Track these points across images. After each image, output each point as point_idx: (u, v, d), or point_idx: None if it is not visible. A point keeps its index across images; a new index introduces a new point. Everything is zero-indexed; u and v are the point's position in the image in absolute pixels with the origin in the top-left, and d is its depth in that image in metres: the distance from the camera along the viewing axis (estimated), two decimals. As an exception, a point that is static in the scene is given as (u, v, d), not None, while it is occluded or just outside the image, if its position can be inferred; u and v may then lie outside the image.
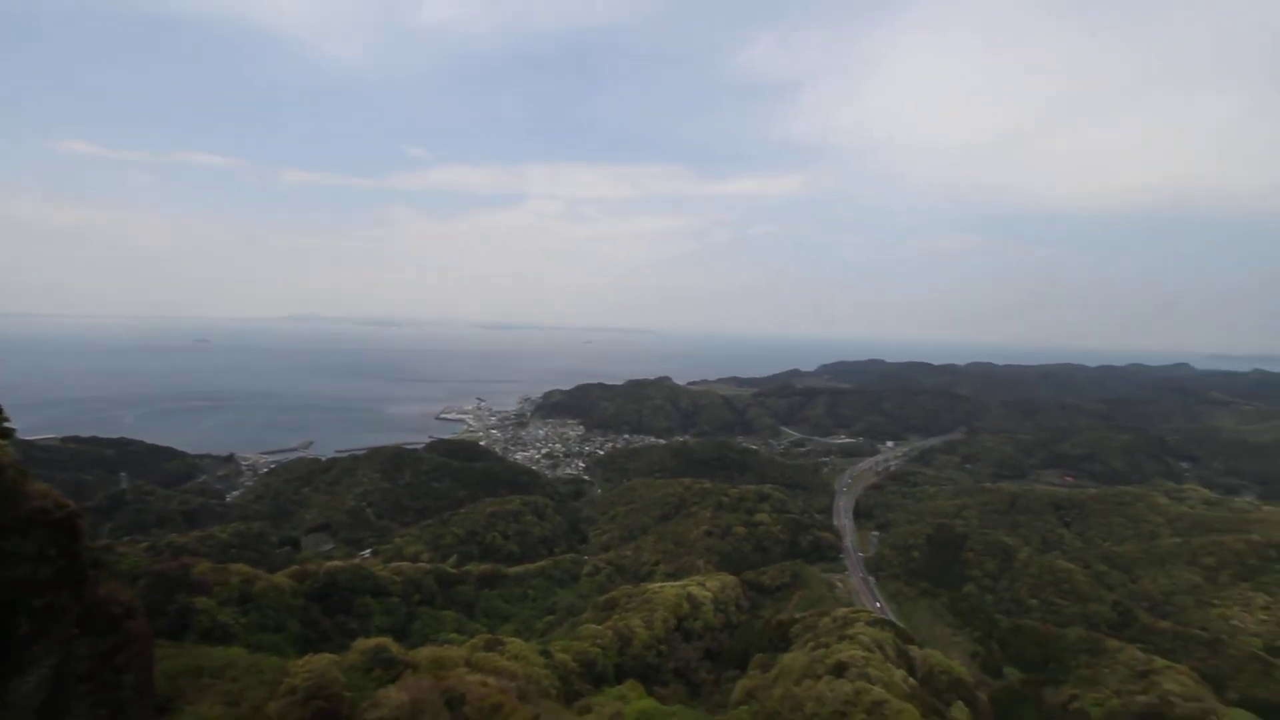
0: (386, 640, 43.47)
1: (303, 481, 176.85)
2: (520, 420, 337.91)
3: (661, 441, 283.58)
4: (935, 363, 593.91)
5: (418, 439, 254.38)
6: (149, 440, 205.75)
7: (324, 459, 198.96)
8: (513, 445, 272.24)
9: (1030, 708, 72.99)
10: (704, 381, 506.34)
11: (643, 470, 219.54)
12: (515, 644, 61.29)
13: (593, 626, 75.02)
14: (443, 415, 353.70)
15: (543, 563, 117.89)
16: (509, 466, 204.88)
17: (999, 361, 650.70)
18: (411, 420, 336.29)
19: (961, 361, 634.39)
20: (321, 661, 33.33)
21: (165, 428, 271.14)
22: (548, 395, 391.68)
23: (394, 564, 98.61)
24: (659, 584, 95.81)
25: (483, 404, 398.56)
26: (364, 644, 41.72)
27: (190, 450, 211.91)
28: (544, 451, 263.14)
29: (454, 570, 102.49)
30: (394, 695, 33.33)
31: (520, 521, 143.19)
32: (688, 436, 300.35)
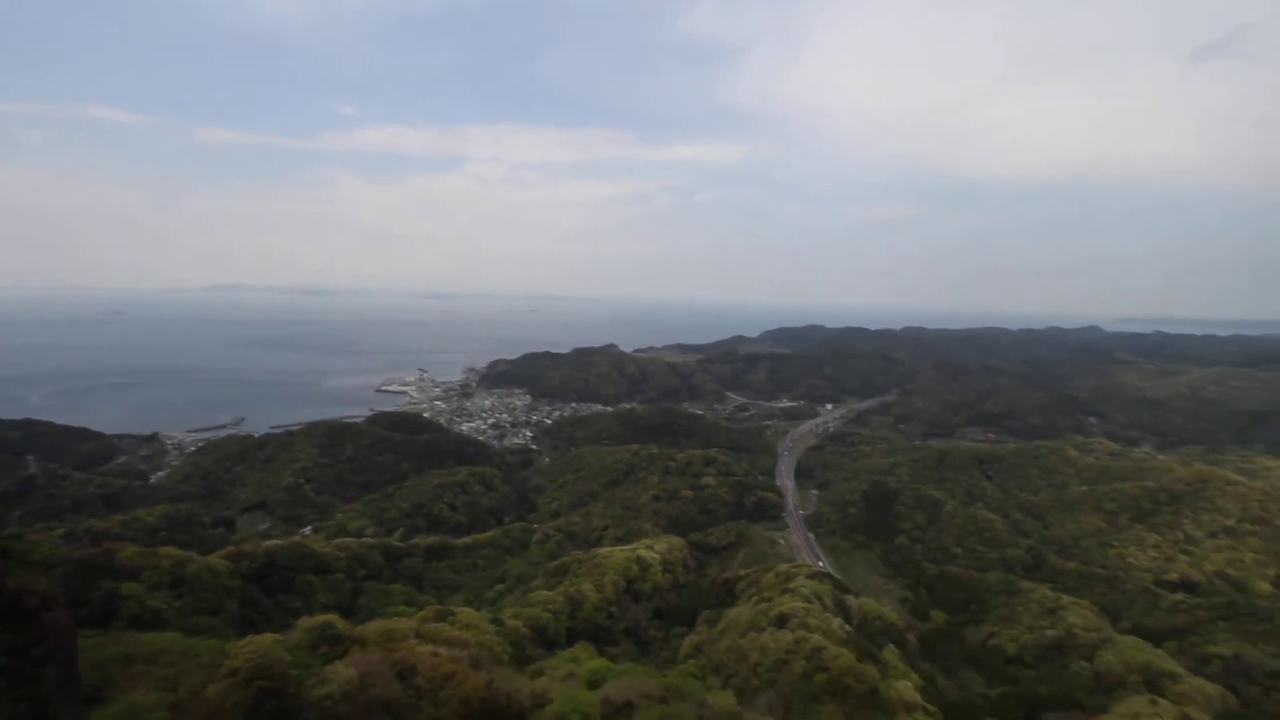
0: (332, 617, 42.72)
1: (235, 459, 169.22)
2: (465, 391, 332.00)
3: (609, 409, 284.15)
4: (872, 328, 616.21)
5: (358, 412, 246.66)
6: (59, 421, 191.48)
7: (257, 435, 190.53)
8: (458, 416, 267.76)
9: (954, 646, 78.90)
10: (650, 349, 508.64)
11: (590, 438, 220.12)
12: (466, 613, 61.37)
13: (544, 592, 75.84)
14: (384, 387, 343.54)
15: (492, 532, 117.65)
16: (455, 438, 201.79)
17: (931, 326, 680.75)
18: (350, 393, 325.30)
19: (897, 326, 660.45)
20: (264, 641, 32.49)
21: (77, 407, 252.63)
22: (493, 365, 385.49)
23: (337, 540, 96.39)
24: (608, 549, 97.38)
25: (426, 375, 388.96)
26: (309, 622, 40.88)
27: (108, 430, 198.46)
28: (490, 422, 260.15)
29: (401, 544, 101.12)
30: (342, 670, 32.94)
31: (468, 493, 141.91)
32: (635, 403, 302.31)
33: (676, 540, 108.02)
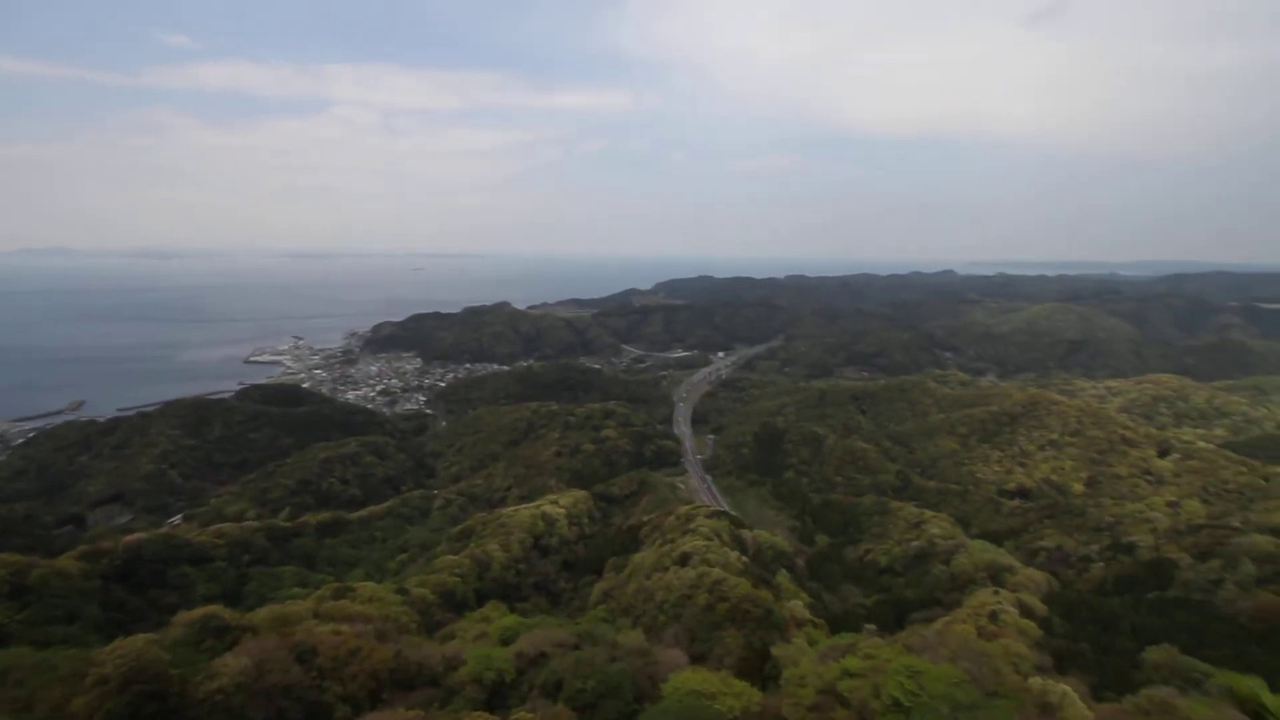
0: (216, 608, 39.72)
1: (78, 448, 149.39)
2: (348, 357, 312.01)
3: (505, 368, 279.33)
4: (758, 277, 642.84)
5: (225, 387, 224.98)
6: None
7: (103, 420, 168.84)
8: (342, 385, 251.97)
9: (835, 565, 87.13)
10: (544, 305, 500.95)
11: (488, 398, 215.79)
12: (367, 587, 59.31)
13: (449, 557, 74.71)
14: (253, 358, 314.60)
15: (389, 502, 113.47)
16: (340, 408, 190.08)
17: (810, 274, 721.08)
18: (213, 366, 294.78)
19: (780, 275, 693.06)
20: (137, 643, 29.66)
21: None
22: (377, 328, 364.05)
23: (214, 527, 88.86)
24: (513, 508, 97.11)
25: (301, 342, 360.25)
26: (188, 616, 37.75)
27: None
28: (379, 388, 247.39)
29: (288, 523, 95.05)
30: (233, 661, 30.90)
31: (359, 464, 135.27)
32: (531, 361, 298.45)
33: (581, 493, 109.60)
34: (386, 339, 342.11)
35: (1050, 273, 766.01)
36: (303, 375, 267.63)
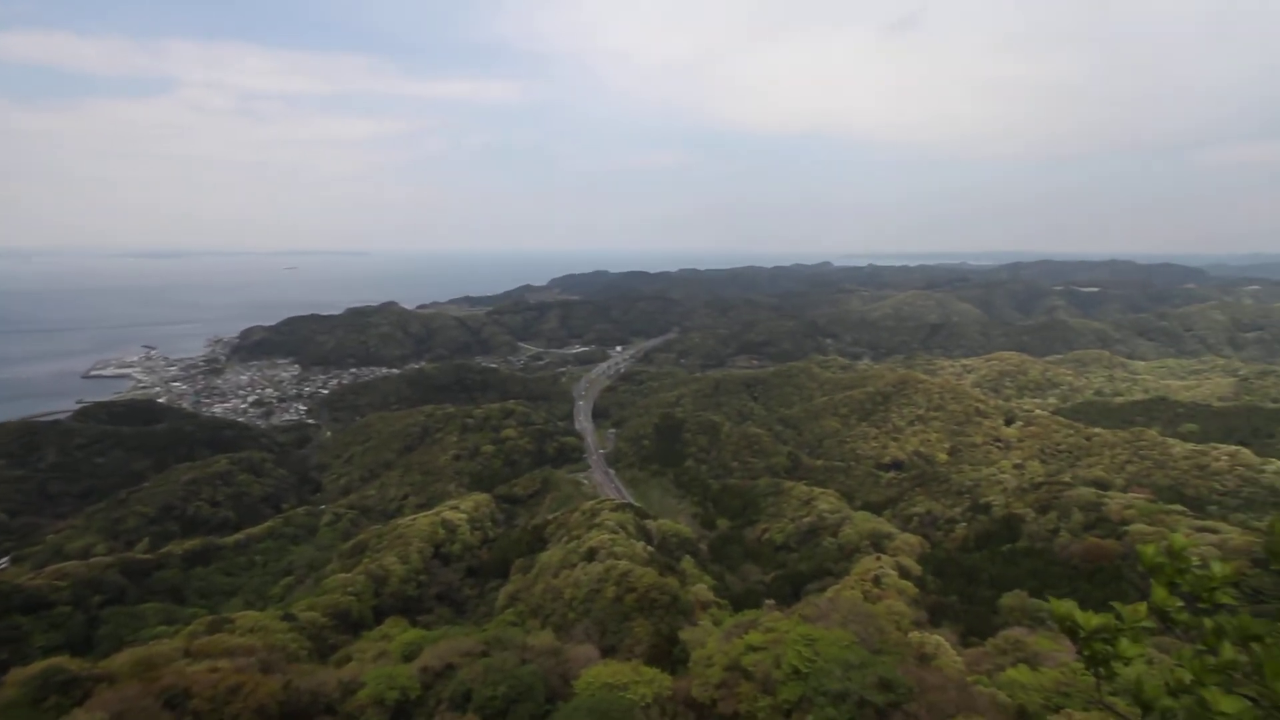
0: (60, 659, 34.77)
1: None
2: (213, 367, 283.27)
3: (395, 371, 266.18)
4: (652, 271, 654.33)
5: (60, 407, 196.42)
6: None
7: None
8: (207, 397, 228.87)
9: (736, 546, 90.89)
10: (435, 304, 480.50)
11: (377, 404, 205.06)
12: (248, 617, 54.36)
13: (342, 575, 70.12)
14: (95, 372, 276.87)
15: (270, 523, 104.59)
16: (206, 423, 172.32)
17: (702, 267, 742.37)
18: (43, 383, 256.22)
19: (673, 269, 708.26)
20: (-43, 713, 25.31)
21: None
22: (247, 334, 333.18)
23: (53, 567, 77.59)
24: (411, 517, 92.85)
25: (154, 352, 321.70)
26: (24, 673, 32.76)
27: None
28: (252, 399, 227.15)
29: (148, 555, 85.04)
30: (84, 718, 27.20)
31: (232, 483, 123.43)
32: (423, 363, 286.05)
33: (483, 496, 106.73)
34: (258, 345, 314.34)
35: (912, 264, 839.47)
36: (158, 389, 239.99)
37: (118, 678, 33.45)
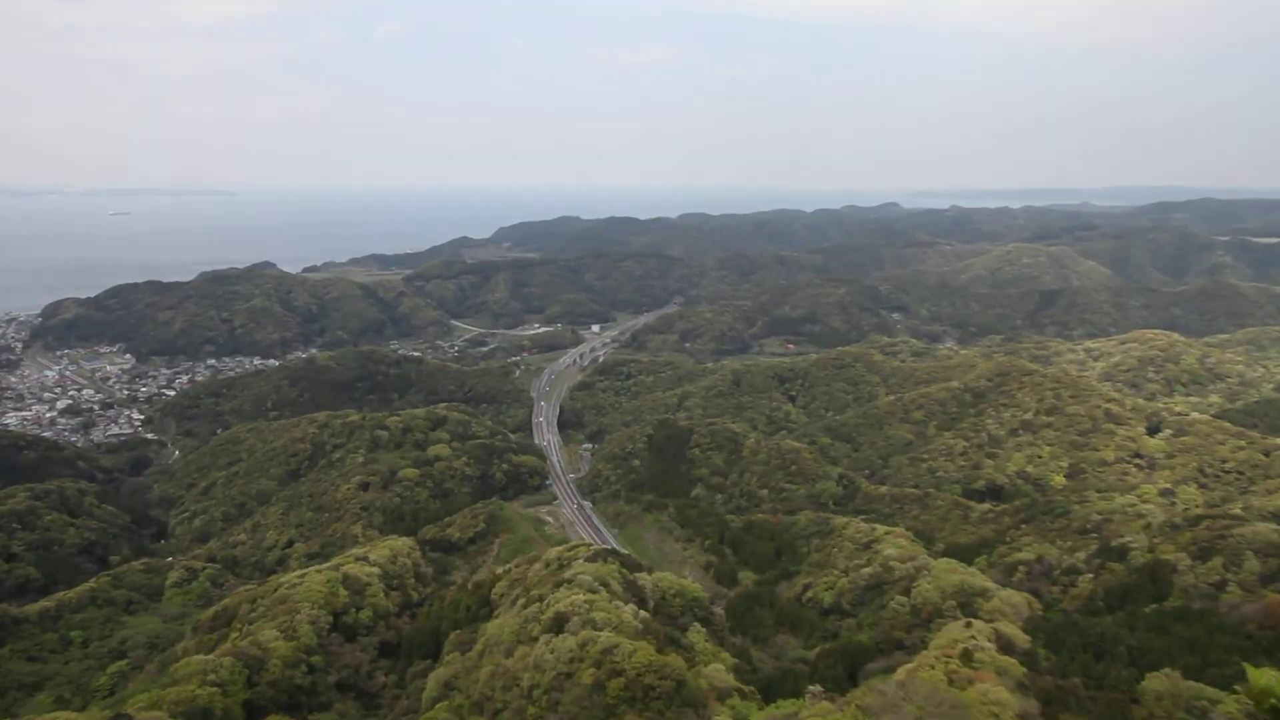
0: None
1: None
2: (3, 358, 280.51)
3: (272, 362, 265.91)
4: (642, 217, 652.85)
5: None
6: None
7: None
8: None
9: (765, 610, 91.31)
10: (330, 266, 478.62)
11: (248, 410, 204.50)
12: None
13: (199, 658, 69.85)
14: None
15: (91, 583, 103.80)
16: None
17: (715, 211, 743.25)
18: None
19: (673, 214, 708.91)
20: None
21: None
22: (53, 309, 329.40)
23: None
24: (299, 572, 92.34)
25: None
26: None
27: None
28: (62, 405, 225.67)
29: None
30: None
31: (35, 526, 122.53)
32: (314, 350, 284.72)
33: (402, 542, 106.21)
34: (70, 326, 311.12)
35: (1014, 203, 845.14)
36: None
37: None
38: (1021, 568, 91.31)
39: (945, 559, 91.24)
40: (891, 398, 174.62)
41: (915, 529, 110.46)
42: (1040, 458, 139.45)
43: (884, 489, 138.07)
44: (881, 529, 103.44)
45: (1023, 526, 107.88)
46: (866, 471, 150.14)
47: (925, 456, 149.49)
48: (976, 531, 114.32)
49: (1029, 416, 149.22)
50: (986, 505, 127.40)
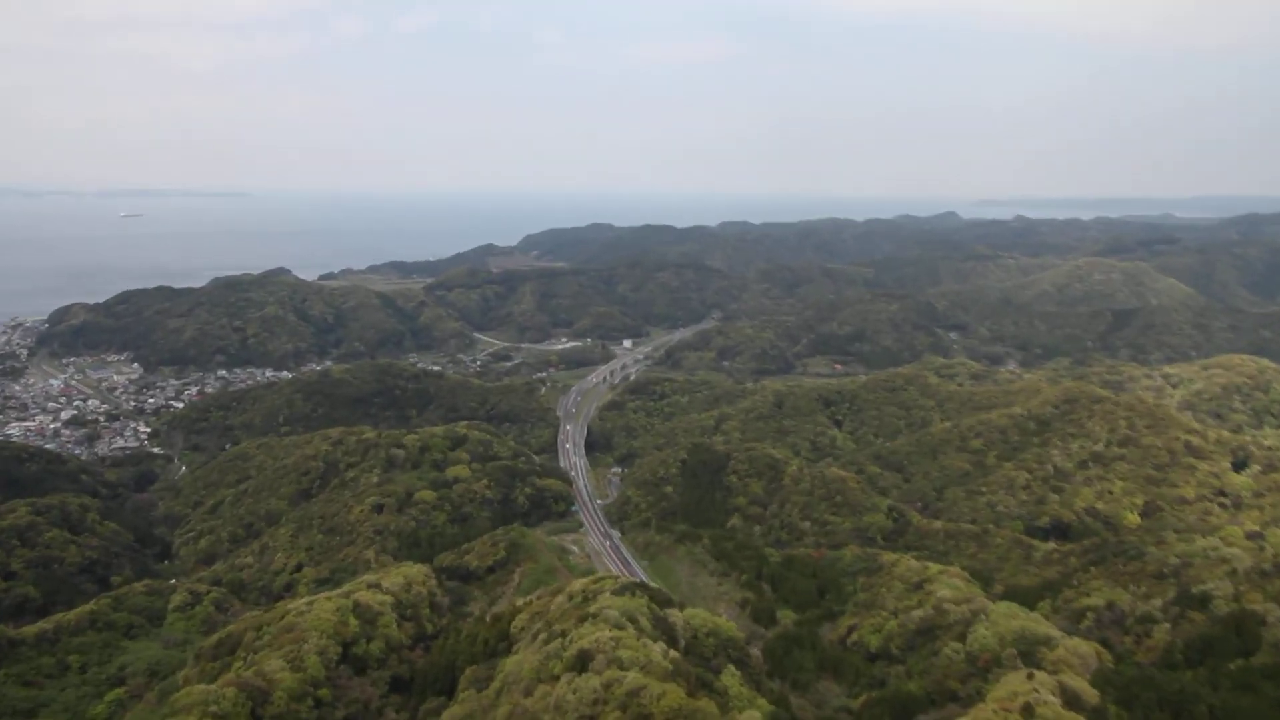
0: None
1: None
2: (10, 365, 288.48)
3: (285, 375, 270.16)
4: (679, 225, 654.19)
5: None
6: None
7: None
8: (0, 412, 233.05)
9: (806, 653, 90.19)
10: (348, 273, 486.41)
11: (258, 425, 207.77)
12: (57, 749, 54.93)
13: (200, 687, 70.74)
14: None
15: (91, 604, 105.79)
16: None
17: (757, 219, 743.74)
18: None
19: (712, 222, 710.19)
20: None
21: None
22: (61, 315, 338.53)
23: None
24: (307, 599, 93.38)
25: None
26: None
27: None
28: (67, 416, 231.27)
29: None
30: None
31: (35, 543, 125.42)
32: (329, 362, 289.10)
33: (417, 569, 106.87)
34: (78, 333, 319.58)
35: (1085, 214, 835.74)
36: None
37: None
38: (1090, 614, 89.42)
39: (1005, 602, 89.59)
40: (947, 424, 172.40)
41: (972, 569, 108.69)
42: (1112, 493, 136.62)
43: (938, 524, 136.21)
44: (935, 568, 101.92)
45: (1092, 569, 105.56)
46: (919, 504, 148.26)
47: (984, 489, 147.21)
48: (1040, 573, 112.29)
49: (1100, 448, 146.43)
50: (1051, 544, 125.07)
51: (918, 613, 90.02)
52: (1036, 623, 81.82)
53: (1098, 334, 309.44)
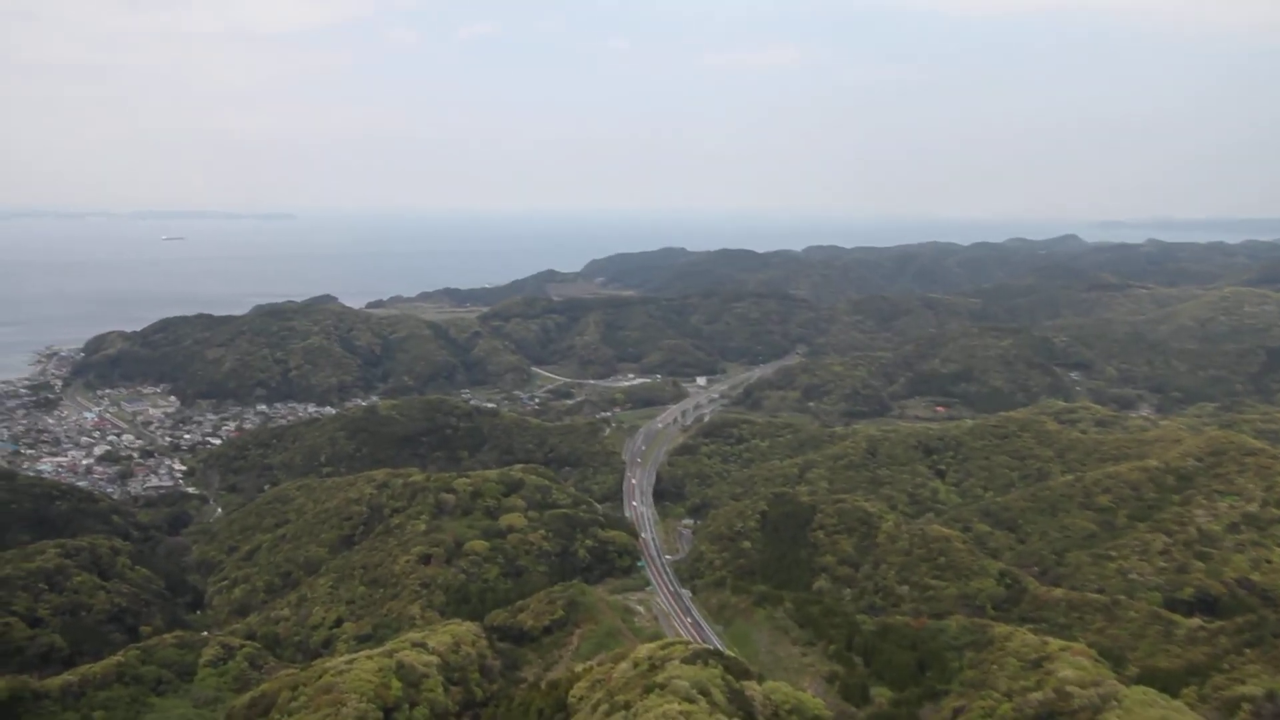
0: None
1: None
2: (42, 398, 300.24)
3: (329, 410, 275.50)
4: (760, 249, 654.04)
5: None
6: None
7: None
8: (31, 446, 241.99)
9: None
10: (397, 300, 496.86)
11: (299, 464, 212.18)
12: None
13: (230, 753, 71.69)
14: None
15: (119, 656, 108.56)
16: (25, 487, 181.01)
17: (848, 244, 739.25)
18: None
19: (797, 246, 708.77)
20: None
21: None
22: (96, 344, 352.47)
23: None
24: (347, 657, 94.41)
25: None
26: None
27: None
28: (100, 451, 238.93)
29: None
30: None
31: (63, 588, 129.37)
32: (375, 397, 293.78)
33: (466, 627, 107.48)
34: (114, 363, 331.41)
35: (1231, 236, 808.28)
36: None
37: None
38: (1246, 705, 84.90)
39: (1140, 687, 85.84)
40: (1069, 477, 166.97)
41: (1100, 646, 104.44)
42: (1269, 562, 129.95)
43: (1058, 592, 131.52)
44: (1056, 644, 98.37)
45: (1246, 651, 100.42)
46: (1035, 569, 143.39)
47: (1113, 554, 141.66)
48: (1183, 654, 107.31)
49: (1254, 509, 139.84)
50: (1196, 620, 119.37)
51: (1036, 695, 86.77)
52: (1180, 713, 78.05)
53: (1250, 375, 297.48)
